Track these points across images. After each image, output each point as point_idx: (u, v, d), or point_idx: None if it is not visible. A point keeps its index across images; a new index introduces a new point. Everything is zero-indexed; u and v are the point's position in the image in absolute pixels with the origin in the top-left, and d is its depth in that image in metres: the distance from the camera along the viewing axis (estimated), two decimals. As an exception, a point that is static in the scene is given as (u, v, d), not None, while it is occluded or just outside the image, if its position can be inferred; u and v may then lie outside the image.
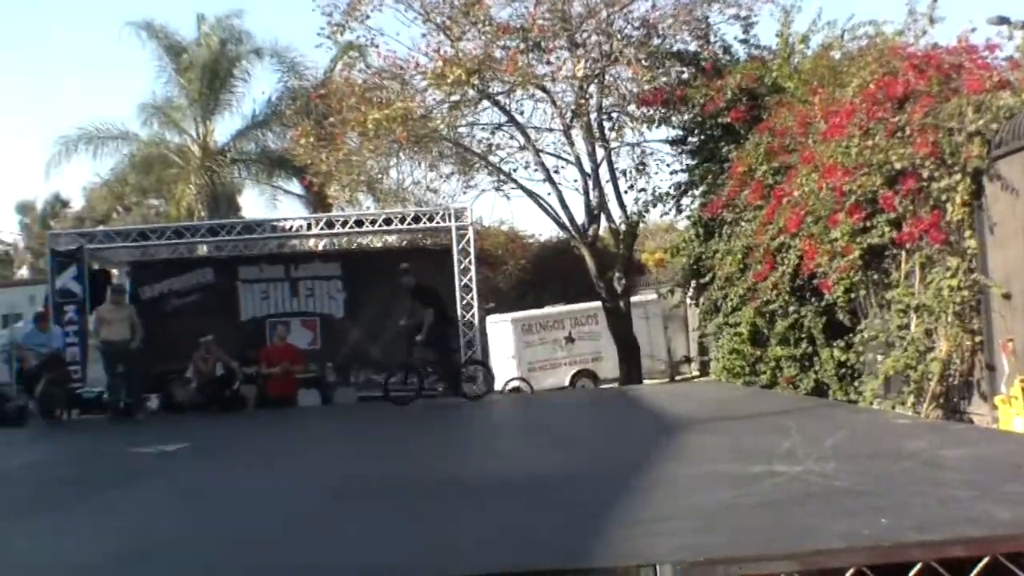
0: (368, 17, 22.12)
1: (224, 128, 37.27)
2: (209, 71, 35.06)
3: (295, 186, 36.73)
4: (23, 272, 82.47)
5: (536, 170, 23.45)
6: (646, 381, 24.72)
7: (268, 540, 6.56)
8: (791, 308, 15.23)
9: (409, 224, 22.17)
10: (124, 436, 15.88)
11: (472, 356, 21.18)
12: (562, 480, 8.39)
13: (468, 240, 21.54)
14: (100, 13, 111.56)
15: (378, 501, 7.91)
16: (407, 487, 8.48)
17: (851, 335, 14.05)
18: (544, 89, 22.45)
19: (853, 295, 13.87)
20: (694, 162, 20.48)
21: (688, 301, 22.54)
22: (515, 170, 24.03)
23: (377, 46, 22.62)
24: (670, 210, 21.99)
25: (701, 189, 19.78)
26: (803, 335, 15.26)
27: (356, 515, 7.38)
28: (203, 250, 25.19)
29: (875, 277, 13.48)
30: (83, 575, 5.99)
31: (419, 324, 18.17)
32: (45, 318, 20.29)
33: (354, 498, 8.12)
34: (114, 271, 24.31)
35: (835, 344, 14.50)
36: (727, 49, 21.20)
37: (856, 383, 14.16)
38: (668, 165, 22.62)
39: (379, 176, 26.53)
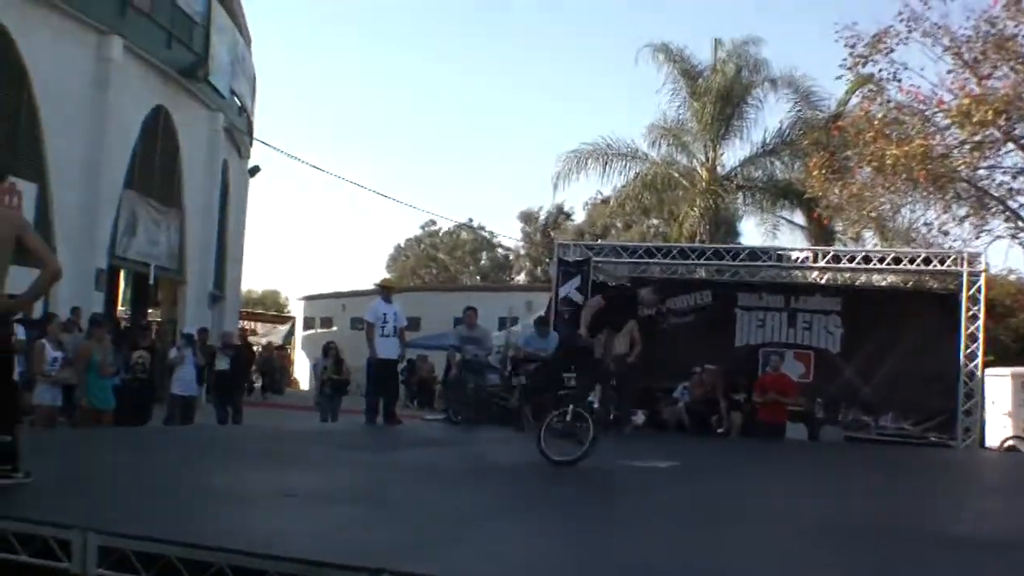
0: (893, 51, 21.86)
1: (732, 154, 37.49)
2: (722, 96, 35.38)
3: (798, 217, 36.47)
4: (520, 278, 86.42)
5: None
6: None
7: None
8: None
9: (918, 265, 21.53)
10: (611, 448, 16.31)
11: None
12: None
13: (979, 288, 20.67)
14: (617, 35, 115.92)
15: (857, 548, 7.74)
16: (893, 535, 8.25)
17: None
18: (1076, 134, 21.30)
19: None
20: None
21: None
22: (1034, 218, 22.92)
23: (899, 80, 22.26)
24: None
25: None
26: None
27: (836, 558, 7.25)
28: (701, 273, 25.45)
29: None
30: None
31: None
32: (546, 323, 20.95)
33: (834, 541, 7.94)
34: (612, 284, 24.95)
35: None
36: None
37: None
38: None
39: (890, 214, 26.02)
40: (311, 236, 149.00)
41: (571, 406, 11.60)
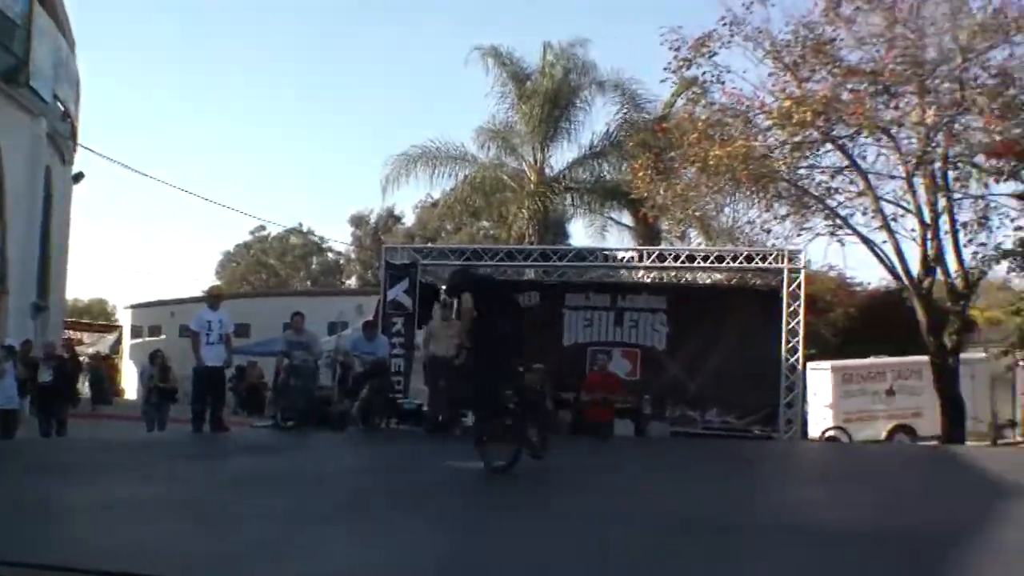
0: (715, 54, 22.30)
1: (560, 156, 37.74)
2: (550, 99, 35.65)
3: (626, 217, 36.97)
4: (351, 282, 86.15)
5: (873, 217, 22.99)
6: (967, 443, 23.77)
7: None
8: None
9: (740, 263, 22.04)
10: (440, 449, 16.35)
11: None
12: (895, 536, 8.17)
13: (799, 284, 21.27)
14: (447, 38, 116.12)
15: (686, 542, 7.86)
16: (725, 528, 8.42)
17: None
18: (889, 135, 21.99)
19: None
20: (1043, 218, 19.61)
21: (1020, 364, 21.58)
22: (852, 215, 23.62)
23: (723, 83, 22.72)
24: (1014, 268, 21.17)
25: (1047, 248, 18.88)
26: None
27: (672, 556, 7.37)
28: (530, 274, 25.66)
29: None
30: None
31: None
32: (373, 327, 21.14)
33: (667, 537, 8.07)
34: (443, 288, 25.01)
35: None
36: (1089, 103, 20.23)
37: None
38: (1012, 220, 21.78)
39: (714, 213, 26.56)
40: (139, 243, 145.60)
41: (506, 412, 11.60)
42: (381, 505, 9.52)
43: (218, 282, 68.78)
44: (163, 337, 57.40)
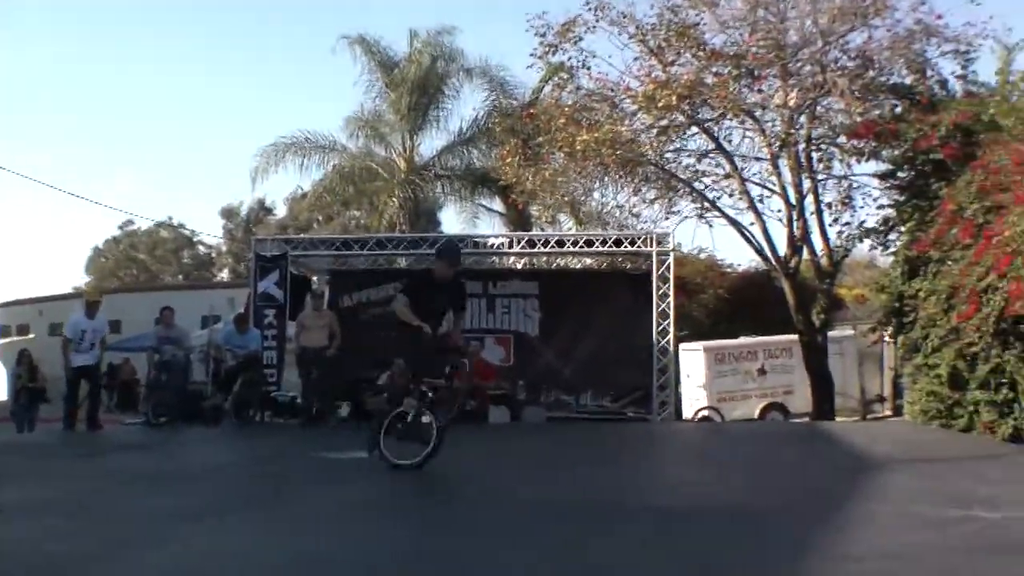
0: (581, 39, 22.33)
1: (430, 144, 37.65)
2: (418, 87, 35.48)
3: (496, 204, 36.96)
4: (223, 275, 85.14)
5: (740, 199, 23.31)
6: (837, 418, 24.22)
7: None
8: (994, 352, 14.66)
9: (610, 247, 22.08)
10: (314, 441, 16.21)
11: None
12: (759, 512, 8.27)
13: (668, 266, 21.41)
14: (314, 27, 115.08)
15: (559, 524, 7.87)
16: (595, 511, 8.44)
17: (1056, 381, 13.48)
18: (753, 117, 22.27)
19: (1061, 340, 13.28)
20: (902, 198, 19.91)
21: (886, 339, 21.98)
22: (719, 198, 23.91)
23: (589, 68, 22.77)
24: (877, 246, 21.55)
25: (908, 225, 19.19)
26: (1004, 380, 14.67)
27: (539, 538, 7.36)
28: (402, 263, 25.56)
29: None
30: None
31: None
32: (244, 320, 20.87)
33: (537, 520, 8.07)
34: (314, 279, 24.78)
35: (1037, 390, 13.88)
36: (943, 84, 20.55)
37: (1057, 432, 13.57)
38: (875, 200, 22.17)
39: (583, 198, 26.68)
40: (3, 240, 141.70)
41: (415, 407, 11.10)
42: (248, 500, 9.40)
43: (89, 280, 67.42)
44: (32, 336, 56.30)
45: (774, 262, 23.32)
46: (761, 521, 7.90)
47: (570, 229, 29.92)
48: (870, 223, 21.58)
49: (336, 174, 37.25)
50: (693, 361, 29.83)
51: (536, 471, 11.77)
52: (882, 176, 21.23)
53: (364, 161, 37.12)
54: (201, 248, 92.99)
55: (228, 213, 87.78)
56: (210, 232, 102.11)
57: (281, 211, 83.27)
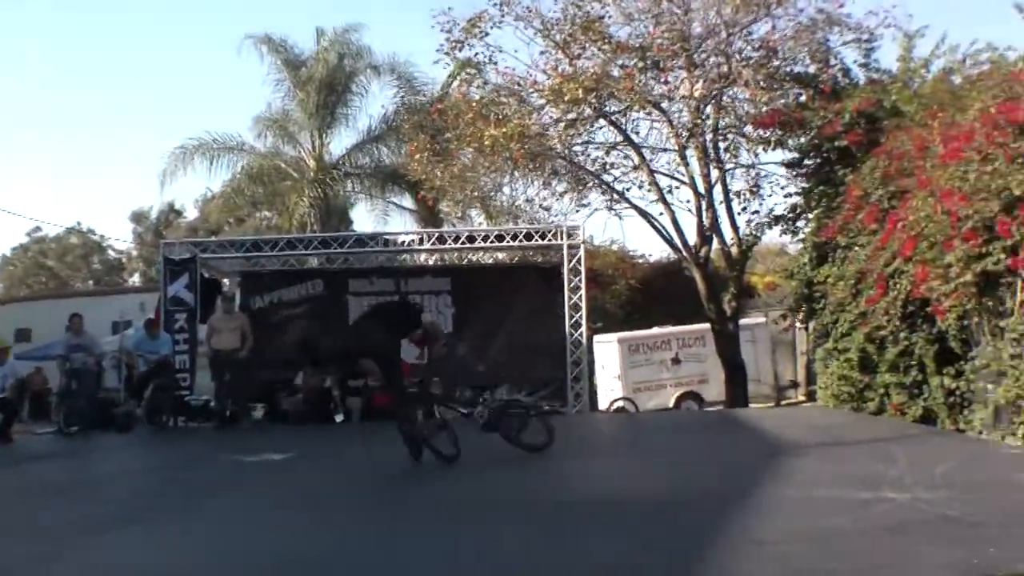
0: (487, 34, 22.32)
1: (339, 142, 37.58)
2: (326, 85, 35.30)
3: (407, 201, 36.84)
4: (134, 280, 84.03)
5: (649, 190, 23.48)
6: (751, 405, 24.47)
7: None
8: (902, 334, 14.89)
9: (521, 241, 22.15)
10: (229, 444, 16.07)
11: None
12: (671, 502, 8.33)
13: (579, 259, 21.44)
14: (221, 27, 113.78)
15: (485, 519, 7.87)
16: (514, 506, 8.45)
17: (962, 363, 13.69)
18: (660, 109, 22.41)
19: (966, 322, 13.49)
20: (809, 185, 20.17)
21: (797, 325, 22.26)
22: (628, 189, 24.11)
23: (495, 63, 22.81)
24: (785, 233, 21.83)
25: (816, 212, 19.43)
26: (913, 362, 14.91)
27: (465, 530, 7.35)
28: (314, 262, 25.43)
29: (989, 304, 13.05)
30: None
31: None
32: (155, 325, 20.57)
33: (460, 513, 8.08)
34: (225, 281, 24.53)
35: (945, 372, 14.09)
36: (846, 72, 20.84)
37: (966, 412, 13.75)
38: (783, 188, 22.49)
39: (492, 193, 26.68)
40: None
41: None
42: (158, 509, 9.27)
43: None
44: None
45: (685, 252, 23.51)
46: (676, 509, 7.96)
47: (481, 224, 29.94)
48: (778, 211, 21.96)
49: (244, 175, 37.00)
50: (607, 352, 29.92)
51: (449, 470, 11.71)
52: (788, 164, 21.52)
53: (273, 161, 36.88)
54: (111, 253, 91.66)
55: (138, 217, 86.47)
56: (120, 237, 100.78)
57: (191, 214, 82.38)
